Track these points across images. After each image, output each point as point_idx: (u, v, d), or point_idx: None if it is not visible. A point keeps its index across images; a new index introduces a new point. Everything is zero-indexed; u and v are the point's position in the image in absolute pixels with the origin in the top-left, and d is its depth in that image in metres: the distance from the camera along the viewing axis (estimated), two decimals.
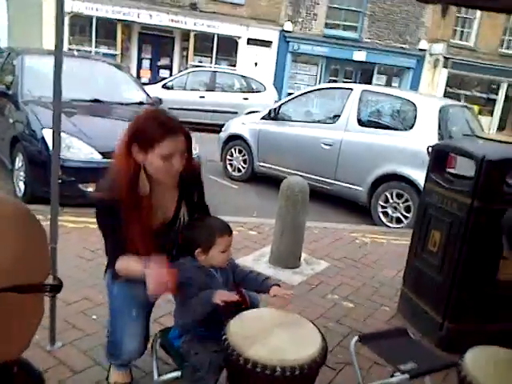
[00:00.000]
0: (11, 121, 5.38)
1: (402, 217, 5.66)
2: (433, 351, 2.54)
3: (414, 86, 20.51)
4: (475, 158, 2.85)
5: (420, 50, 20.80)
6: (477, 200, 2.79)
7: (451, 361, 2.12)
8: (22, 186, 5.04)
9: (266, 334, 1.83)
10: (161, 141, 1.82)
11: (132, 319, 2.06)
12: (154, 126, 1.85)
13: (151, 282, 1.76)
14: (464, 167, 3.49)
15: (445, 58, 20.62)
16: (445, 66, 20.91)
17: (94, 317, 2.90)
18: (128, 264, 1.91)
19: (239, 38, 19.33)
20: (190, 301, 1.91)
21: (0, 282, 0.63)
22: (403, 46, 20.65)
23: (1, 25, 16.03)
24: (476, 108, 18.88)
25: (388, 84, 21.07)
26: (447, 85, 21.33)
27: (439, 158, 3.26)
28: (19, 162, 5.11)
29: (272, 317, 1.97)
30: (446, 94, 19.98)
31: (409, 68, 21.26)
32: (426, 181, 3.29)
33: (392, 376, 2.15)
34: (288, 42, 19.84)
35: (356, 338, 2.34)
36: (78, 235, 4.10)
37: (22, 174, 5.04)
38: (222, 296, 1.86)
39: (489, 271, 2.85)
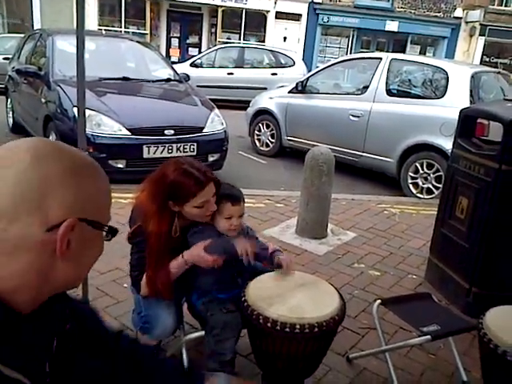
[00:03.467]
0: (43, 100, 5.53)
1: (432, 187, 5.56)
2: (456, 314, 2.54)
3: (449, 56, 19.84)
4: (502, 121, 2.77)
5: (455, 18, 20.04)
6: (504, 164, 2.72)
7: (473, 323, 2.11)
8: None
9: (285, 295, 1.87)
10: (196, 195, 1.91)
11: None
12: (187, 183, 1.89)
13: (200, 263, 1.96)
14: (496, 134, 3.39)
15: (481, 25, 19.80)
16: (482, 34, 20.10)
17: (125, 285, 3.00)
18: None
19: (267, 12, 19.09)
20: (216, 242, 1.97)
21: (83, 214, 0.76)
22: (437, 14, 19.94)
23: (34, 7, 16.34)
24: None
25: (422, 54, 20.42)
26: (484, 53, 20.51)
27: (467, 123, 3.18)
28: (52, 140, 5.27)
29: (289, 278, 2.01)
30: (483, 63, 19.22)
31: (443, 37, 20.56)
32: (453, 147, 3.23)
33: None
34: (317, 14, 19.47)
35: (378, 301, 2.36)
36: (111, 210, 4.22)
37: None
38: (241, 245, 1.93)
39: None
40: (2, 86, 8.15)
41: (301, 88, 6.95)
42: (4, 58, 10.01)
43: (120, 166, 4.86)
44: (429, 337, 2.05)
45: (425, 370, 2.46)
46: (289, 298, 1.86)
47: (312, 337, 1.76)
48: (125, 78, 5.91)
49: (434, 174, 5.53)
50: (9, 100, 7.70)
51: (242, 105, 9.77)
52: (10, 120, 7.57)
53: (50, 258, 0.74)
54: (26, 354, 0.70)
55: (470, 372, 2.35)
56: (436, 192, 5.44)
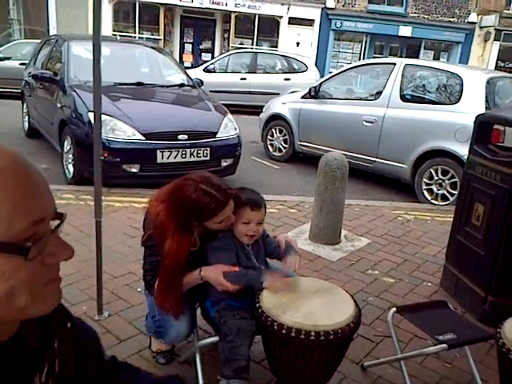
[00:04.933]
0: (59, 105, 5.59)
1: (447, 194, 5.50)
2: (472, 323, 2.50)
3: (463, 61, 19.70)
4: None
5: (469, 23, 19.89)
6: None
7: (491, 332, 2.08)
8: (70, 168, 5.26)
9: (300, 301, 1.86)
10: (217, 215, 1.93)
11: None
12: (208, 205, 1.90)
13: (216, 286, 1.98)
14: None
15: (496, 30, 19.62)
16: (496, 39, 19.92)
17: (139, 289, 3.01)
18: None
19: (280, 17, 19.14)
20: (239, 272, 1.98)
21: None
22: (451, 19, 19.81)
23: (51, 13, 16.58)
24: None
25: (435, 60, 20.30)
26: (499, 59, 20.32)
27: (482, 129, 3.15)
28: (67, 145, 5.32)
29: (304, 285, 2.00)
30: (498, 69, 19.05)
31: (457, 42, 20.41)
32: (469, 153, 3.19)
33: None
34: (330, 19, 19.46)
35: (394, 309, 2.33)
36: (124, 214, 4.26)
37: (70, 156, 5.26)
38: (269, 282, 1.95)
39: None
40: (19, 91, 8.27)
41: (314, 93, 6.94)
42: (20, 64, 10.15)
43: (134, 170, 4.89)
44: (445, 345, 2.02)
45: (440, 379, 2.43)
46: (303, 305, 1.85)
47: (327, 344, 1.75)
48: (139, 83, 5.96)
49: (448, 180, 5.48)
50: (25, 105, 7.80)
51: (255, 110, 9.80)
52: (26, 124, 7.67)
53: None
54: None
55: (486, 382, 2.32)
56: (451, 198, 5.39)
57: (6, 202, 0.60)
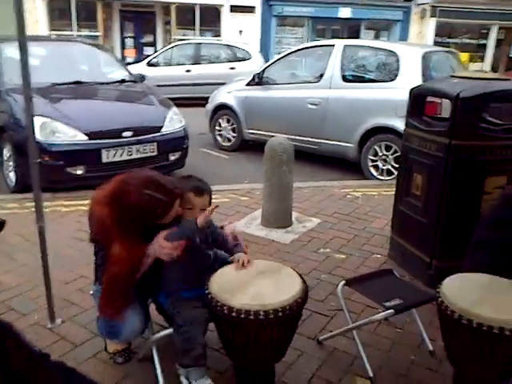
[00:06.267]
0: None
1: (392, 168, 5.68)
2: (418, 287, 2.62)
3: (403, 39, 20.17)
4: (450, 97, 2.86)
5: (406, 0, 20.37)
6: (454, 139, 2.81)
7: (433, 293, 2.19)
8: (12, 176, 5.06)
9: (247, 284, 1.90)
10: (164, 217, 1.94)
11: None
12: (156, 207, 1.90)
13: (162, 255, 1.96)
14: (446, 110, 3.48)
15: (432, 6, 20.20)
16: (432, 16, 20.50)
17: (91, 292, 2.96)
18: None
19: (221, 6, 18.97)
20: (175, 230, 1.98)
21: None
22: None
23: None
24: (467, 55, 18.61)
25: (376, 39, 20.71)
26: (436, 35, 20.96)
27: (416, 101, 3.26)
28: (7, 152, 5.12)
29: (251, 267, 2.03)
30: (436, 44, 19.65)
31: (396, 21, 20.86)
32: (405, 126, 3.31)
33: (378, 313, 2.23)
34: (271, 5, 19.46)
35: (343, 282, 2.41)
36: (72, 218, 4.16)
37: (11, 163, 5.06)
38: (201, 219, 1.94)
39: (472, 207, 2.89)
40: None
41: (258, 80, 6.97)
42: None
43: (79, 172, 4.76)
44: (392, 311, 2.11)
45: (393, 345, 2.53)
46: (251, 287, 1.88)
47: (277, 322, 1.79)
48: (78, 82, 5.78)
49: (392, 155, 5.65)
50: None
51: (203, 101, 9.72)
52: None
53: None
54: None
55: (434, 341, 2.44)
56: (396, 172, 5.56)
57: None
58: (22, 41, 2.36)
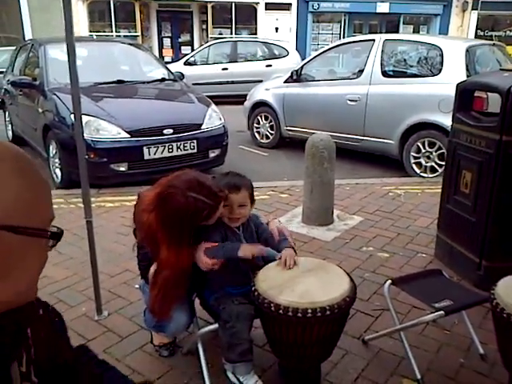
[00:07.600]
0: (40, 110, 5.54)
1: (436, 165, 5.54)
2: (468, 288, 2.54)
3: (443, 33, 19.69)
4: (500, 91, 2.75)
5: None
6: (505, 134, 2.70)
7: (486, 295, 2.11)
8: (58, 172, 5.22)
9: (294, 281, 1.88)
10: (212, 216, 1.94)
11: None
12: (202, 210, 1.88)
13: (201, 266, 1.99)
14: (494, 105, 3.36)
15: None
16: (474, 8, 19.91)
17: (137, 286, 3.02)
18: None
19: (257, 4, 19.01)
20: (217, 246, 1.99)
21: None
22: None
23: (24, 19, 16.33)
24: (510, 48, 17.94)
25: (415, 33, 20.26)
26: (478, 28, 20.34)
27: (464, 96, 3.16)
28: (53, 149, 5.28)
29: (299, 265, 2.01)
30: (478, 37, 19.07)
31: (436, 15, 20.40)
32: (452, 121, 3.21)
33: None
34: (307, 1, 19.35)
35: (389, 281, 2.36)
36: (116, 213, 4.25)
37: (56, 161, 5.22)
38: (245, 251, 1.93)
39: None
40: None
41: (296, 77, 6.92)
42: None
43: (122, 169, 4.87)
44: (442, 312, 2.04)
45: (441, 346, 2.46)
46: (299, 284, 1.86)
47: (325, 320, 1.77)
48: (119, 81, 5.90)
49: (436, 151, 5.51)
50: (6, 113, 7.72)
51: (240, 99, 9.74)
52: (10, 133, 7.59)
53: None
54: None
55: (486, 345, 2.35)
56: (439, 170, 5.42)
57: (40, 198, 0.70)
58: (70, 42, 2.40)
